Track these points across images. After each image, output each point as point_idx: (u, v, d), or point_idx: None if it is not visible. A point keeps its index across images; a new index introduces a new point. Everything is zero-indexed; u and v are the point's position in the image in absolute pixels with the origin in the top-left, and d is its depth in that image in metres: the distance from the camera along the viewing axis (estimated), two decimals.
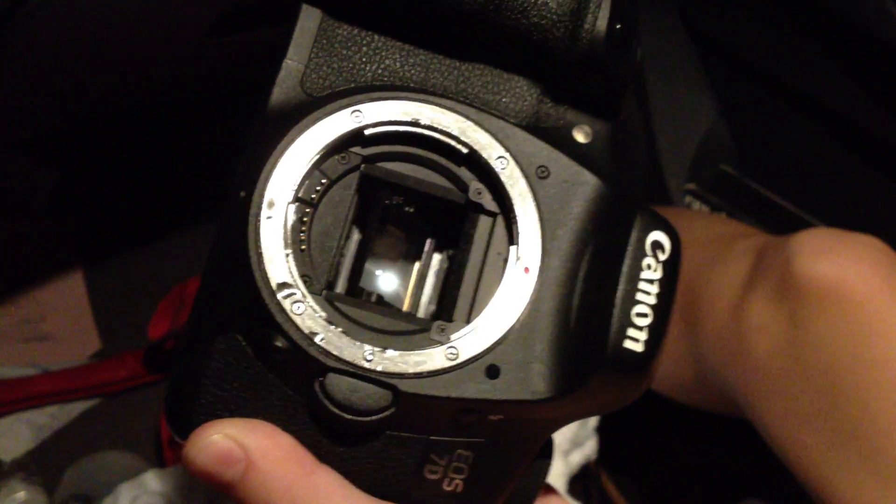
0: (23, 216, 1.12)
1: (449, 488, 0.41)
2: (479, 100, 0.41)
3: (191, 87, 1.06)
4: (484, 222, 0.41)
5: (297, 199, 0.39)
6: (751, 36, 1.02)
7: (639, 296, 0.39)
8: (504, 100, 0.42)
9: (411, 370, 0.38)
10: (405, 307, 0.42)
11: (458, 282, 0.40)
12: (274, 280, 0.38)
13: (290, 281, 0.38)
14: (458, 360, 0.38)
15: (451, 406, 0.39)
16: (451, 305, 0.40)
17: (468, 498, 0.42)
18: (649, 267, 0.40)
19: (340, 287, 0.41)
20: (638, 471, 1.02)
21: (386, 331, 0.39)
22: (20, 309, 1.07)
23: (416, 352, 0.38)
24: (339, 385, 0.38)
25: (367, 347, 0.38)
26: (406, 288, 0.42)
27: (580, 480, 0.98)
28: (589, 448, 0.94)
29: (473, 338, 0.39)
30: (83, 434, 1.01)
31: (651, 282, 0.40)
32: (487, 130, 0.40)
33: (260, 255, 0.38)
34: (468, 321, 0.39)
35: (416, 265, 0.42)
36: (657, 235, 0.40)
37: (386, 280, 0.42)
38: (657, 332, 0.40)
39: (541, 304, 0.39)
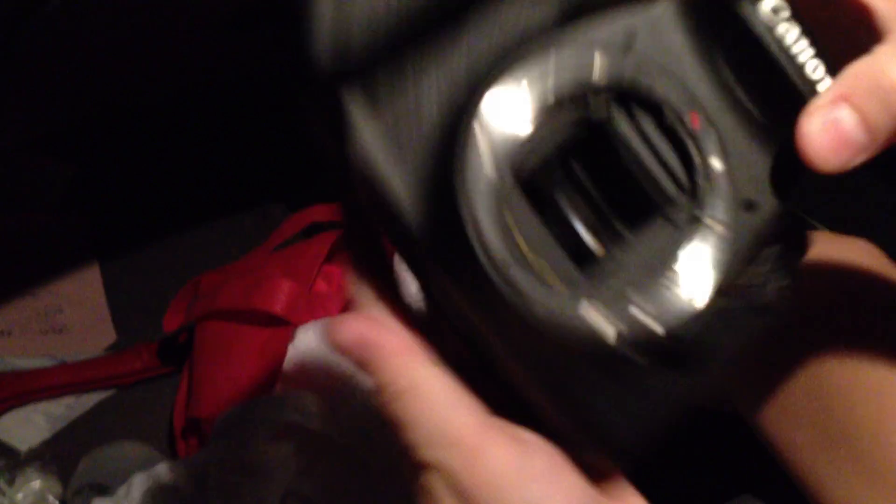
0: (40, 210, 1.14)
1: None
2: None
3: (207, 82, 1.07)
4: None
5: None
6: None
7: None
8: None
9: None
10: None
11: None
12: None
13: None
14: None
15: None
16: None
17: None
18: None
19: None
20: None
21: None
22: (38, 301, 1.09)
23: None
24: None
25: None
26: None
27: None
28: None
29: (721, 200, 0.37)
30: (98, 424, 1.03)
31: None
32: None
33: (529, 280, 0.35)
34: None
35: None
36: None
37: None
38: None
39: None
